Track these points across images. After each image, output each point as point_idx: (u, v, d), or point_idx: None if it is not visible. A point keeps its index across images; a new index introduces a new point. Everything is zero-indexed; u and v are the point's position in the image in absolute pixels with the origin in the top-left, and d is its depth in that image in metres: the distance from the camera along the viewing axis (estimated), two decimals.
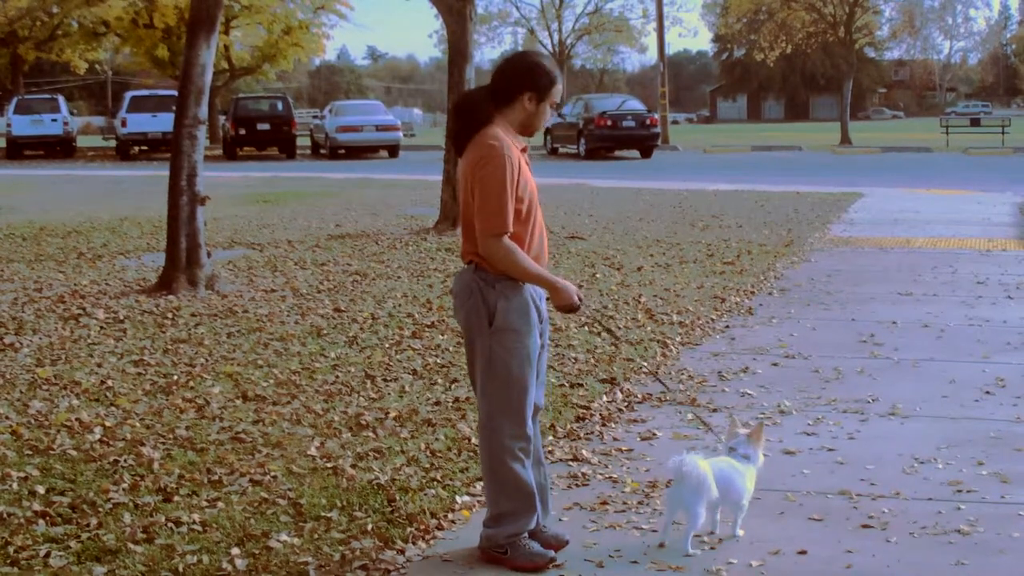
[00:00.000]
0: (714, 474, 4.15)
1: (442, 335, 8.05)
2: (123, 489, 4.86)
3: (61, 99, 38.42)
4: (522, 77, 4.01)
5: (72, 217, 16.49)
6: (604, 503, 4.75)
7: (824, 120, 78.63)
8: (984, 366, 7.10)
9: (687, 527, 4.18)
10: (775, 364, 7.22)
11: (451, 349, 7.61)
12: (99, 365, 7.19)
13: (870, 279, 10.51)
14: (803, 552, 4.23)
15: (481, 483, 4.91)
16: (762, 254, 12.11)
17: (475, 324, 4.00)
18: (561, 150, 35.29)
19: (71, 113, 38.73)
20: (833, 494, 4.84)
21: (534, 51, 4.34)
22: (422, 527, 4.45)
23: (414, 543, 4.33)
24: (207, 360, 7.33)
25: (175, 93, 11.44)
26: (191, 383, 6.72)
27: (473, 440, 5.54)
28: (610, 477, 5.08)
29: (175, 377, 6.86)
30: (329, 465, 5.18)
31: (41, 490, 4.85)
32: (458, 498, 4.77)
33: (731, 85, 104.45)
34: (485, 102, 4.02)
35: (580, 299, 4.08)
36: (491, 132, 3.96)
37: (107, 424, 5.84)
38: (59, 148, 36.37)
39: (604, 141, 32.65)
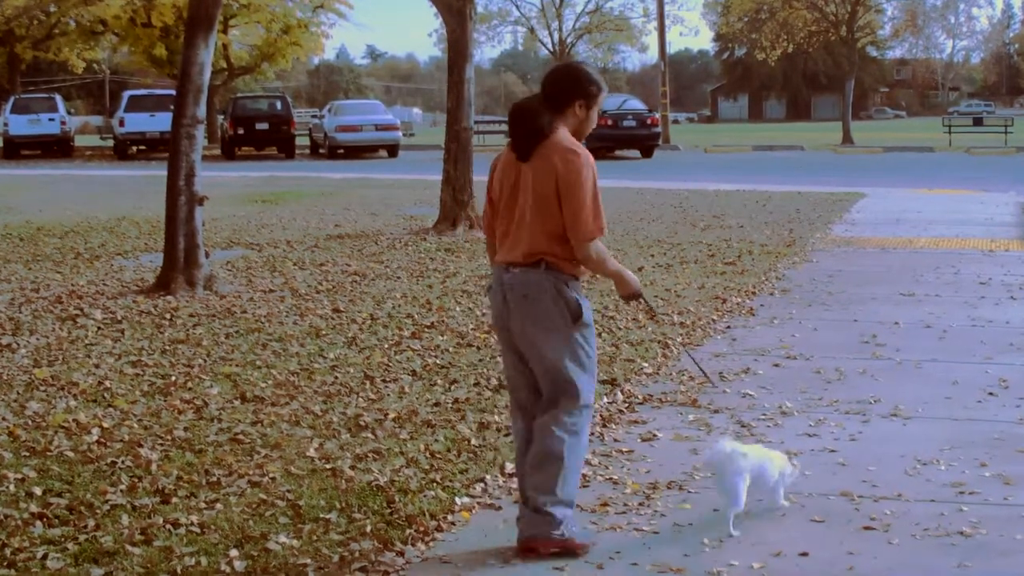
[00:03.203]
0: (750, 460, 4.39)
1: (441, 336, 8.02)
2: (121, 490, 4.84)
3: (59, 98, 38.36)
4: (573, 85, 4.17)
5: (69, 217, 16.47)
6: (604, 504, 4.73)
7: (826, 120, 78.63)
8: (987, 367, 7.07)
9: (728, 508, 4.34)
10: (776, 365, 7.19)
11: (451, 350, 7.58)
12: (96, 366, 7.16)
13: (872, 279, 10.48)
14: (804, 554, 4.21)
15: (481, 485, 4.91)
16: (763, 254, 12.08)
17: (554, 321, 4.08)
18: None
19: (69, 112, 38.68)
20: (835, 495, 4.81)
21: (580, 61, 4.48)
22: (421, 529, 4.43)
23: (413, 545, 4.31)
24: (205, 361, 7.30)
25: (173, 92, 11.40)
26: (189, 384, 6.70)
27: (473, 442, 5.52)
28: (610, 478, 5.06)
29: (173, 378, 6.83)
30: (328, 466, 5.15)
31: (38, 491, 4.83)
32: (458, 500, 4.75)
33: (732, 84, 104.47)
34: (543, 109, 4.14)
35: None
36: (567, 138, 4.12)
37: (105, 425, 5.81)
38: (56, 148, 36.31)
39: (604, 141, 32.57)
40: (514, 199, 4.18)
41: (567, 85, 4.18)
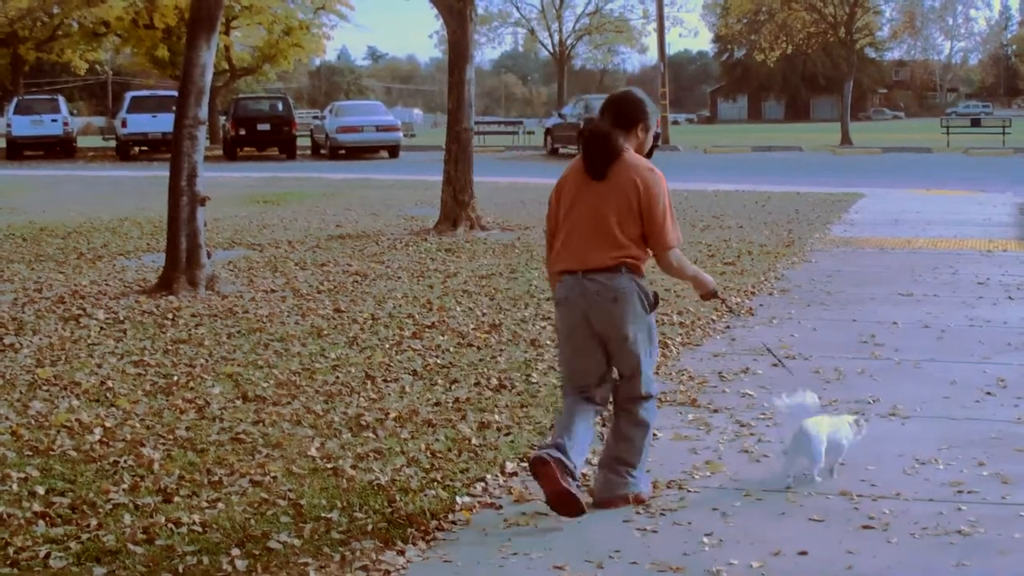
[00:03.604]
0: (826, 426, 4.97)
1: (442, 336, 8.04)
2: (123, 490, 4.86)
3: (61, 99, 38.36)
4: (637, 111, 4.71)
5: (72, 217, 16.49)
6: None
7: (825, 120, 78.56)
8: (985, 367, 7.09)
9: (813, 466, 4.92)
10: (775, 365, 7.19)
11: (451, 350, 7.61)
12: (99, 366, 7.18)
13: (871, 280, 10.50)
14: (804, 553, 4.22)
15: (481, 484, 4.95)
16: (763, 255, 12.10)
17: (638, 315, 4.62)
18: (561, 150, 35.26)
19: (71, 113, 38.67)
20: (834, 495, 4.83)
21: (635, 88, 4.95)
22: (422, 528, 4.45)
23: (414, 544, 4.33)
24: (207, 361, 7.33)
25: (175, 93, 11.43)
26: (191, 384, 6.72)
27: (473, 441, 5.55)
28: None
29: (175, 378, 6.86)
30: (329, 466, 5.18)
31: (41, 491, 4.85)
32: (458, 499, 4.77)
33: (731, 85, 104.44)
34: (616, 133, 4.62)
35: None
36: (639, 158, 4.66)
37: (107, 425, 5.83)
38: (59, 148, 36.32)
39: None
40: (587, 213, 4.60)
41: (632, 110, 4.70)
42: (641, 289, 4.62)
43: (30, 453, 5.40)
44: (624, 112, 4.70)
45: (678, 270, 4.75)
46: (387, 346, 7.72)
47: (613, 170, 4.57)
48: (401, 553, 4.24)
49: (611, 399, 4.80)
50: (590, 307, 4.59)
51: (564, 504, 4.44)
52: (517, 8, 61.88)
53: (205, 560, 4.15)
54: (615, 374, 4.77)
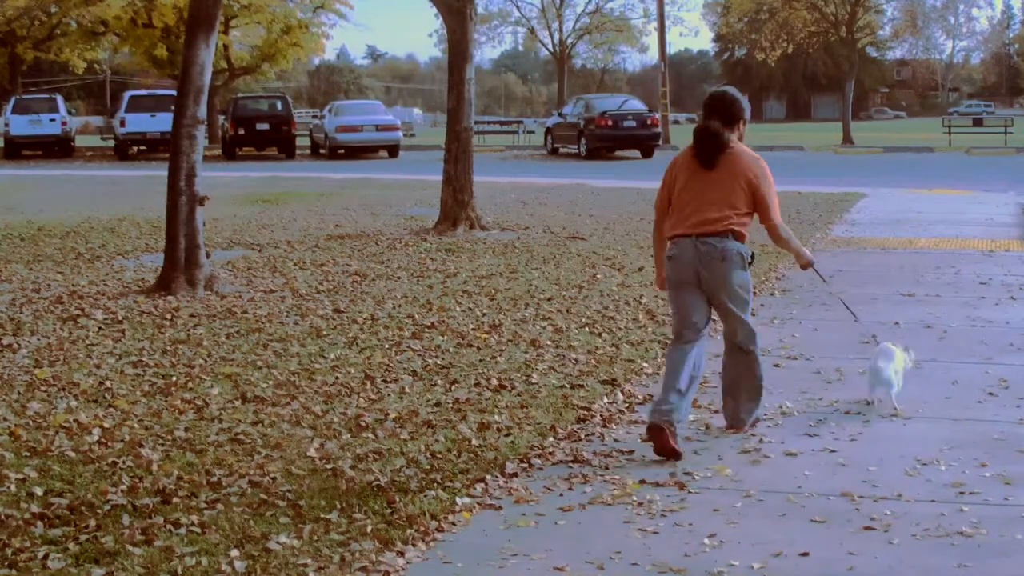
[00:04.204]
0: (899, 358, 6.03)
1: (442, 336, 8.02)
2: (122, 491, 4.84)
3: (59, 99, 38.30)
4: (740, 109, 5.62)
5: (70, 217, 16.47)
6: (605, 503, 4.72)
7: (826, 120, 78.55)
8: (987, 367, 7.07)
9: (891, 392, 6.03)
10: (777, 365, 7.19)
11: (451, 350, 7.59)
12: (97, 366, 7.16)
13: (872, 280, 10.48)
14: (805, 554, 4.21)
15: (481, 485, 4.94)
16: (764, 254, 12.02)
17: (738, 272, 5.52)
18: (562, 150, 35.28)
19: (69, 113, 38.61)
20: (835, 496, 4.82)
21: (731, 87, 5.83)
22: (422, 529, 4.43)
23: (414, 545, 4.31)
24: (206, 361, 7.31)
25: (174, 93, 11.41)
26: (190, 384, 6.70)
27: (473, 442, 5.54)
28: (611, 479, 5.06)
29: (174, 378, 6.84)
30: (328, 466, 5.16)
31: (39, 492, 4.83)
32: (458, 500, 4.75)
33: (732, 85, 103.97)
34: (723, 129, 5.51)
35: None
36: (744, 147, 5.58)
37: (105, 425, 5.82)
38: (57, 148, 36.27)
39: (605, 141, 32.60)
40: (700, 193, 5.50)
41: (737, 108, 5.61)
42: (740, 252, 5.51)
43: (28, 454, 5.38)
44: (729, 110, 5.58)
45: (785, 240, 5.67)
46: (386, 346, 7.70)
47: (722, 160, 5.47)
48: (401, 554, 4.22)
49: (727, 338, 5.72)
50: (701, 264, 5.48)
51: (670, 455, 5.28)
52: (517, 7, 61.79)
53: (204, 561, 4.13)
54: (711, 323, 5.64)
